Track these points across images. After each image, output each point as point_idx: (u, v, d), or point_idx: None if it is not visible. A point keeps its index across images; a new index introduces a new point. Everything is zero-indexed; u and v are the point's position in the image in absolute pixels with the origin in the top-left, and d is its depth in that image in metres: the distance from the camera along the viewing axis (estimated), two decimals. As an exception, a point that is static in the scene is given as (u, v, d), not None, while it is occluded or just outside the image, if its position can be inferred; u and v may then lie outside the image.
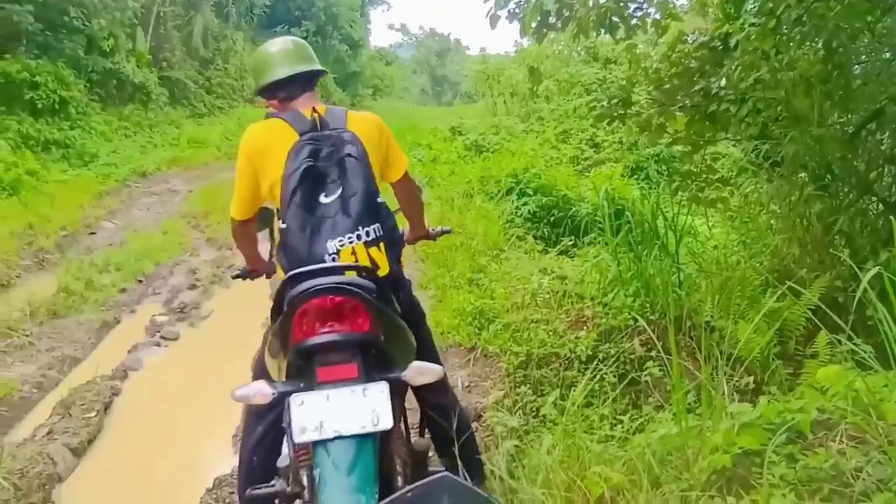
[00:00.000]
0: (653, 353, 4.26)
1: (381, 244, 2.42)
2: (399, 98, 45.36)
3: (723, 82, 5.46)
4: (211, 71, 26.10)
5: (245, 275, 3.27)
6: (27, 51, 15.95)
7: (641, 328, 4.36)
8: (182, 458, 4.23)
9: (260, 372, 2.41)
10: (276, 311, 2.22)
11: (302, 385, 2.06)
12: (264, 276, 3.25)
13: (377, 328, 2.11)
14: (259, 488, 2.30)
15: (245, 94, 27.65)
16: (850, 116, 4.94)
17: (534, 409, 3.77)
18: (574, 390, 3.61)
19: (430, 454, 2.61)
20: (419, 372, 2.14)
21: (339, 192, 2.37)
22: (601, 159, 17.76)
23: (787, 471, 2.18)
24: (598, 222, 9.53)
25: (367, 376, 2.04)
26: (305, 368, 2.08)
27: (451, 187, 10.10)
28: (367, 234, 2.38)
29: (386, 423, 1.96)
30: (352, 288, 2.10)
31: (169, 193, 14.18)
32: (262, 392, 2.09)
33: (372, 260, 2.37)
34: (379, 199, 2.46)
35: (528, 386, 3.97)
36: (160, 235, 10.20)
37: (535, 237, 7.79)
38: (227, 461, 3.96)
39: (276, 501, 2.26)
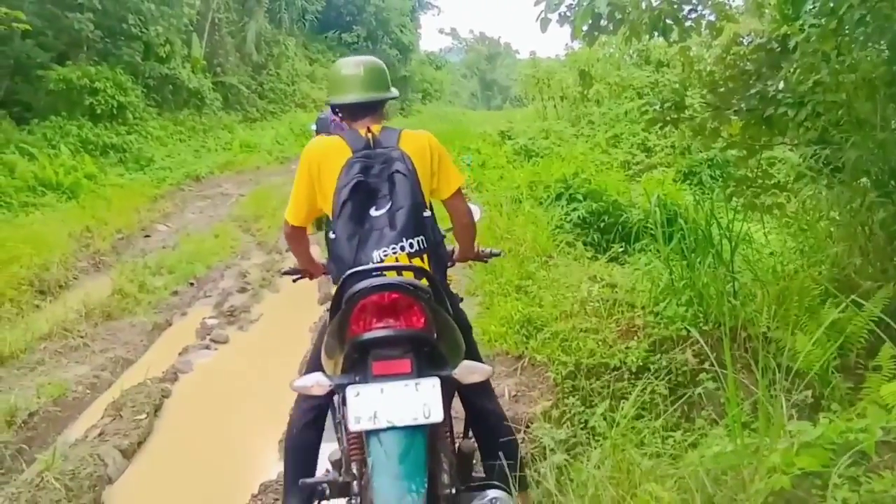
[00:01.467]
0: (706, 366, 4.14)
1: (425, 255, 2.51)
2: (449, 102, 45.42)
3: (780, 85, 5.29)
4: (263, 76, 26.48)
5: (296, 273, 3.35)
6: (87, 58, 16.37)
7: (694, 339, 4.25)
8: (229, 463, 4.25)
9: (312, 369, 2.44)
10: (334, 309, 2.29)
11: (357, 378, 2.15)
12: (310, 278, 3.35)
13: (431, 326, 2.18)
14: (311, 478, 2.47)
15: (296, 99, 28.02)
16: (915, 120, 4.75)
17: (582, 421, 3.68)
18: (624, 403, 3.53)
19: (475, 460, 2.65)
20: (469, 371, 2.23)
21: (388, 206, 2.50)
22: (653, 164, 17.50)
23: (850, 494, 2.07)
24: (649, 229, 9.41)
25: (420, 372, 2.13)
26: (361, 362, 2.17)
27: (499, 192, 10.03)
28: (411, 245, 2.48)
29: (437, 416, 2.07)
30: (408, 286, 2.20)
31: (221, 197, 14.40)
32: (320, 383, 2.21)
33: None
34: (426, 214, 2.57)
35: (577, 397, 3.88)
36: (211, 239, 10.35)
37: (584, 243, 7.67)
38: (273, 467, 3.97)
39: (327, 491, 2.43)
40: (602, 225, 9.08)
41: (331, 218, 2.57)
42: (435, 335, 2.19)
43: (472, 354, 2.56)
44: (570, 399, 3.88)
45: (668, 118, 6.96)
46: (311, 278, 3.35)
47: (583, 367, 4.08)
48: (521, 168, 14.73)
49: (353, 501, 2.31)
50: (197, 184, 15.62)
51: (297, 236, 2.93)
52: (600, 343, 4.24)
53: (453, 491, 2.21)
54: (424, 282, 2.32)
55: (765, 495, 2.17)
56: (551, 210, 9.19)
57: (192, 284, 8.03)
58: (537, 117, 23.07)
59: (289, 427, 2.82)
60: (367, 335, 2.15)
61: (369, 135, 2.63)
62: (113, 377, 5.32)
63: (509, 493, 2.36)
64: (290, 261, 7.76)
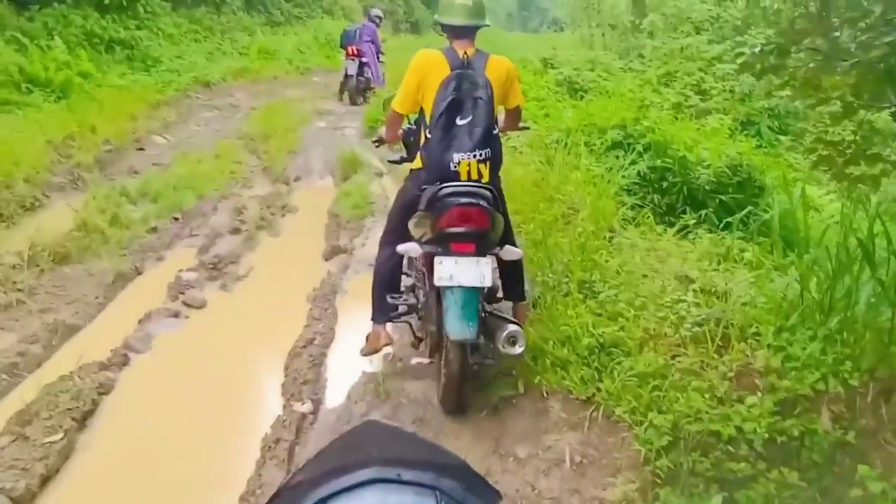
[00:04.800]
0: (850, 437, 2.90)
1: (488, 163, 3.38)
2: (484, 21, 42.99)
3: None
4: (291, -24, 24.57)
5: (380, 142, 4.21)
6: (96, -60, 14.73)
7: (835, 394, 2.99)
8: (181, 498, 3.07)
9: (391, 240, 3.64)
10: (429, 202, 3.28)
11: (440, 250, 3.23)
12: (399, 161, 4.25)
13: (490, 225, 3.26)
14: (396, 295, 3.84)
15: (324, 4, 26.14)
16: None
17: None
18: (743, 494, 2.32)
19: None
20: (508, 253, 3.42)
21: (469, 119, 3.34)
22: (707, 108, 15.94)
23: None
24: (716, 193, 8.01)
25: (480, 252, 3.23)
26: (443, 242, 3.24)
27: (544, 133, 8.59)
28: (480, 154, 3.35)
29: (489, 282, 3.19)
30: (480, 202, 3.24)
31: (230, 109, 13.00)
32: (416, 249, 3.37)
33: (479, 172, 3.35)
34: (494, 131, 3.42)
35: (676, 485, 2.62)
36: (211, 159, 9.02)
37: (652, 212, 6.29)
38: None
39: (403, 306, 3.85)
40: (664, 185, 7.69)
41: (426, 118, 3.43)
42: (492, 231, 3.27)
43: (509, 238, 3.55)
44: (666, 489, 2.61)
45: (766, 65, 5.85)
46: (400, 163, 4.22)
47: (682, 432, 2.80)
48: (564, 102, 13.22)
49: (417, 314, 3.82)
50: (206, 91, 14.16)
51: (397, 121, 3.83)
52: (706, 395, 2.94)
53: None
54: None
55: None
56: (604, 161, 7.79)
57: (176, 219, 6.74)
58: (582, 45, 21.25)
59: (377, 267, 3.87)
60: (452, 229, 3.21)
61: (465, 56, 3.40)
62: (45, 353, 4.11)
63: (521, 327, 3.30)
64: (296, 194, 7.79)
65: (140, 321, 4.60)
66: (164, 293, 5.08)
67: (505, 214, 3.53)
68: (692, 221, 6.41)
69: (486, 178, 3.35)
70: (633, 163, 7.93)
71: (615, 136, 8.18)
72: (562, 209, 5.51)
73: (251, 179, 8.66)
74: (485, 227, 3.21)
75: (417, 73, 3.44)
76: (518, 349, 3.21)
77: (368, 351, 3.84)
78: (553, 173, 6.38)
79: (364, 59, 13.09)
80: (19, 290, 4.67)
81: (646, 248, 5.21)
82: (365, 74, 13.22)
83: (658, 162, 7.62)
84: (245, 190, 8.22)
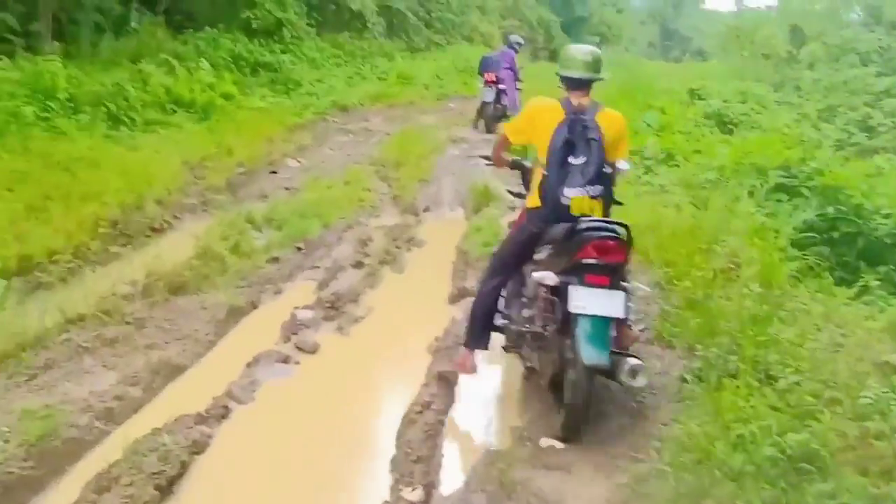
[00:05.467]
0: None
1: (600, 199, 3.60)
2: (625, 49, 41.90)
3: None
4: (432, 3, 24.64)
5: (489, 160, 4.34)
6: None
7: None
8: None
9: (499, 268, 3.99)
10: (568, 235, 3.42)
11: (576, 280, 3.33)
12: (516, 194, 4.49)
13: (626, 258, 3.43)
14: (498, 322, 4.05)
15: (464, 31, 26.11)
16: None
17: None
18: None
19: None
20: (635, 288, 3.50)
21: (584, 159, 3.55)
22: (873, 147, 14.52)
23: None
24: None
25: (613, 285, 3.34)
26: (578, 273, 3.34)
27: (697, 172, 7.82)
28: (593, 191, 3.56)
29: (620, 314, 3.32)
30: (618, 236, 3.35)
31: (365, 133, 12.87)
32: (552, 278, 3.41)
33: (591, 207, 3.55)
34: (606, 170, 3.61)
35: None
36: (340, 186, 8.78)
37: (827, 268, 5.43)
38: None
39: (510, 333, 4.01)
40: (835, 236, 6.75)
41: (540, 156, 3.69)
42: (624, 265, 3.44)
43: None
44: None
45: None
46: (497, 165, 4.32)
47: None
48: (714, 136, 12.29)
49: (542, 344, 3.66)
50: (343, 115, 14.16)
51: (504, 144, 4.12)
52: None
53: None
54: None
55: None
56: (765, 205, 6.94)
57: (299, 249, 6.46)
58: (731, 76, 20.04)
59: (481, 296, 4.01)
60: (590, 261, 3.33)
61: (579, 104, 3.66)
62: (144, 396, 3.80)
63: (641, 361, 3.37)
64: (424, 226, 7.70)
65: (248, 364, 4.24)
66: (277, 332, 4.73)
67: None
68: (874, 282, 5.51)
69: (598, 214, 3.57)
70: (798, 208, 7.06)
71: (778, 178, 7.31)
72: (721, 263, 4.78)
73: (379, 208, 8.35)
74: (621, 260, 3.39)
75: (532, 111, 3.83)
76: (640, 382, 3.31)
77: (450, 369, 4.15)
78: (708, 219, 5.64)
79: (502, 86, 12.66)
80: (128, 322, 4.43)
81: (820, 315, 4.41)
82: (502, 102, 12.78)
83: (830, 209, 6.70)
84: (372, 219, 7.91)
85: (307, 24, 17.68)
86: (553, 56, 31.74)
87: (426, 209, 8.38)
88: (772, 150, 7.90)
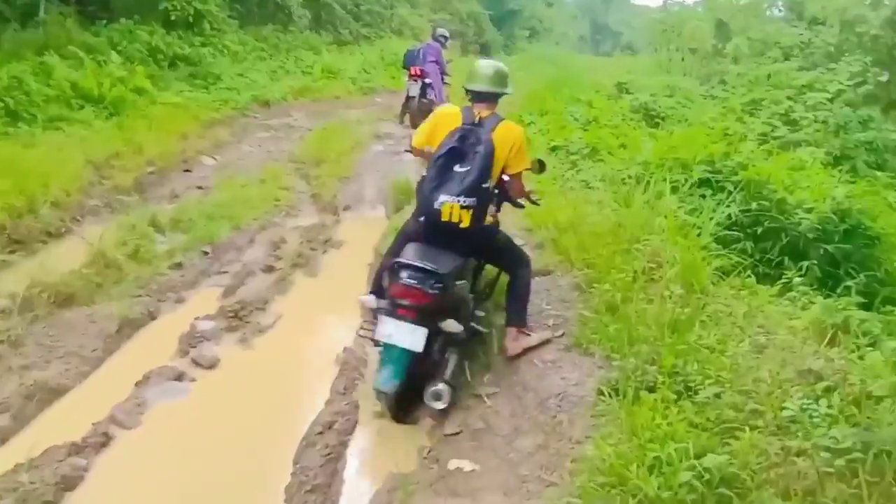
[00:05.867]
0: None
1: (471, 210, 3.61)
2: (556, 43, 42.07)
3: None
4: (361, -5, 24.18)
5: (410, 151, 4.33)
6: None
7: None
8: None
9: (377, 284, 3.89)
10: (390, 267, 3.64)
11: (388, 310, 3.51)
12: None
13: (433, 304, 3.45)
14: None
15: (393, 24, 25.72)
16: None
17: None
18: None
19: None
20: (449, 326, 3.55)
21: (467, 168, 3.64)
22: (796, 140, 14.74)
23: None
24: (820, 242, 6.94)
25: (420, 321, 3.45)
26: (392, 303, 3.50)
27: (622, 167, 7.69)
28: (463, 202, 3.59)
29: (418, 348, 3.43)
30: (423, 286, 3.44)
31: (287, 129, 12.44)
32: (372, 303, 3.66)
33: (460, 217, 3.60)
34: (484, 185, 3.66)
35: None
36: (256, 184, 8.40)
37: (750, 265, 5.33)
38: None
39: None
40: (759, 232, 6.69)
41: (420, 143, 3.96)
42: (433, 306, 3.47)
43: (519, 273, 4.10)
44: None
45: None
46: (415, 155, 4.23)
47: None
48: (641, 131, 12.25)
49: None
50: (264, 110, 13.66)
51: (415, 150, 4.10)
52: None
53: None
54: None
55: None
56: (689, 201, 6.85)
57: (206, 254, 6.08)
58: (659, 70, 20.19)
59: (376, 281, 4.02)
60: (397, 300, 3.48)
61: (478, 117, 3.80)
62: (14, 426, 3.41)
63: (451, 386, 3.59)
64: (343, 225, 7.43)
65: (137, 384, 3.89)
66: (174, 346, 4.38)
67: (504, 259, 4.19)
68: (797, 278, 5.44)
69: (465, 224, 3.62)
70: (722, 203, 6.99)
71: (702, 173, 7.22)
72: (642, 263, 4.61)
73: (297, 207, 8.01)
74: (425, 303, 3.45)
75: (437, 116, 3.96)
76: (440, 405, 3.52)
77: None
78: (631, 217, 5.48)
79: (427, 80, 12.37)
80: (1, 341, 4.01)
81: (744, 315, 4.29)
82: (428, 96, 12.48)
83: (753, 205, 6.64)
84: (289, 219, 7.58)
85: (229, 17, 17.06)
86: (484, 50, 31.65)
87: (346, 208, 8.07)
88: (696, 144, 7.81)
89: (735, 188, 7.06)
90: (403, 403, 3.64)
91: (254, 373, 4.20)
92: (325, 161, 9.66)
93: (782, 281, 5.37)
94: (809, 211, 6.98)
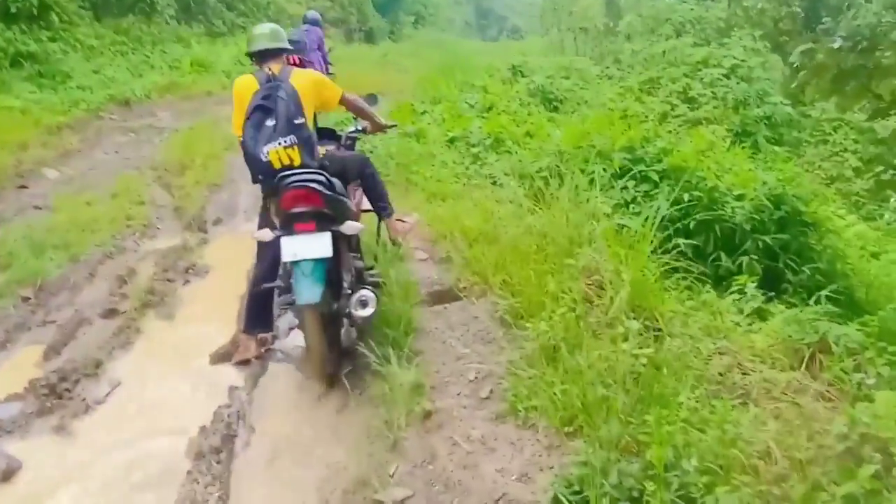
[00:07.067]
0: None
1: (296, 147, 3.67)
2: (442, 30, 41.23)
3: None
4: (234, -18, 22.49)
5: None
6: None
7: None
8: None
9: (264, 224, 3.87)
10: (272, 191, 3.63)
11: (286, 232, 3.49)
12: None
13: (324, 204, 3.53)
14: (269, 285, 3.77)
15: (270, 13, 24.13)
16: None
17: None
18: None
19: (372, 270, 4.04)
20: (349, 228, 3.61)
21: (275, 119, 3.67)
22: (697, 118, 14.39)
23: None
24: (756, 233, 6.24)
25: (320, 229, 3.50)
26: (288, 224, 3.51)
27: (531, 159, 6.77)
28: (284, 142, 3.66)
29: (327, 253, 3.44)
30: (311, 184, 3.50)
31: (149, 131, 10.98)
32: (268, 235, 3.55)
33: (289, 157, 3.66)
34: (296, 121, 3.70)
35: None
36: (106, 200, 7.05)
37: (685, 265, 4.48)
38: None
39: (277, 292, 3.70)
40: (691, 225, 5.92)
41: (238, 131, 3.83)
42: (327, 209, 3.54)
43: (369, 181, 4.37)
44: None
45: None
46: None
47: None
48: (539, 115, 11.44)
49: (286, 297, 3.58)
50: (124, 110, 12.10)
51: (239, 138, 3.92)
52: None
53: (349, 290, 3.61)
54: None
55: None
56: (611, 194, 6.01)
57: (26, 300, 4.77)
58: (552, 51, 19.56)
59: (257, 262, 4.14)
60: (291, 210, 3.50)
61: (270, 72, 3.85)
62: None
63: (375, 294, 3.64)
64: (211, 245, 6.26)
65: None
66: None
67: (351, 173, 4.24)
68: (750, 284, 4.64)
69: (297, 162, 3.67)
70: (648, 195, 6.19)
71: (622, 162, 6.40)
72: (580, 285, 3.66)
73: (155, 226, 6.70)
74: (318, 206, 3.52)
75: (235, 93, 3.97)
76: (368, 311, 3.56)
77: (238, 360, 4.08)
78: (555, 223, 4.51)
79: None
80: None
81: (702, 331, 3.45)
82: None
83: (685, 196, 5.84)
84: (145, 241, 6.29)
85: (80, 8, 15.25)
86: (368, 37, 30.40)
87: (216, 222, 6.84)
88: (612, 129, 6.99)
89: (660, 178, 6.28)
90: (329, 330, 3.58)
91: (67, 481, 3.00)
92: (190, 167, 8.37)
93: (733, 290, 4.57)
94: (740, 199, 6.28)
